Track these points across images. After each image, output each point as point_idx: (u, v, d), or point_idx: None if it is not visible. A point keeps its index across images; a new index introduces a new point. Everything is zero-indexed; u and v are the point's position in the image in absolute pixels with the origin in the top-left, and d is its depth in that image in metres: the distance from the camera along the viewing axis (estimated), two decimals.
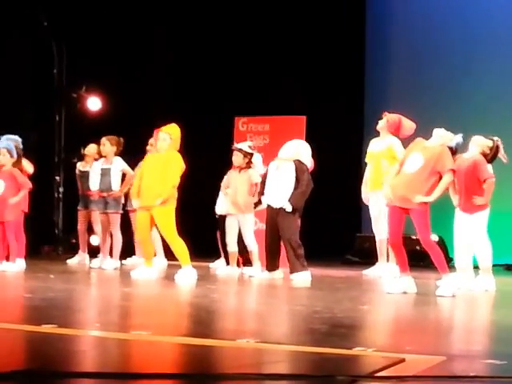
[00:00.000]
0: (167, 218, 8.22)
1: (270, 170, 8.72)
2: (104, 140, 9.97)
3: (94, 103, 12.81)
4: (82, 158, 10.84)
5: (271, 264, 8.62)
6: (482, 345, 4.36)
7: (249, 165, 9.30)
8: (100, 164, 10.08)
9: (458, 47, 12.61)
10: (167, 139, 8.33)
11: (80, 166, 10.76)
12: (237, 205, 9.24)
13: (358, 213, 12.96)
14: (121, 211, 10.00)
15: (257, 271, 8.95)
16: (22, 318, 5.24)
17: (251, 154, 9.33)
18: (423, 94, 12.60)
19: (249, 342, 4.01)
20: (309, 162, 8.85)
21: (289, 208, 8.41)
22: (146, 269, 8.34)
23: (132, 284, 7.84)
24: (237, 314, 5.62)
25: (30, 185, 9.36)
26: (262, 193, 8.76)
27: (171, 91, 13.30)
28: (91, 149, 10.59)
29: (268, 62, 12.77)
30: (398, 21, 13.35)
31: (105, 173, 9.93)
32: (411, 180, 6.98)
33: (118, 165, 9.91)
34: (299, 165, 8.58)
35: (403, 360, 3.53)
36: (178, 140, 8.40)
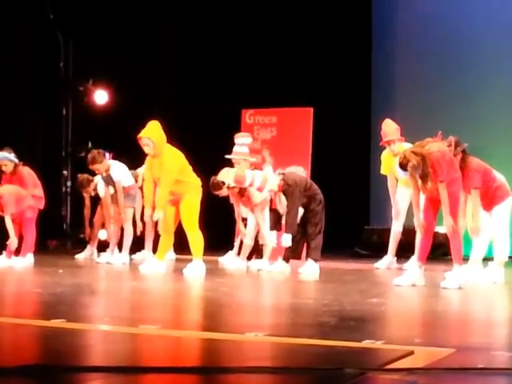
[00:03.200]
0: (191, 209, 8.28)
1: None
2: (93, 167, 9.92)
3: (100, 96, 12.80)
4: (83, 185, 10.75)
5: (293, 254, 8.64)
6: (491, 337, 4.35)
7: (244, 190, 9.07)
8: (99, 177, 10.07)
9: (466, 37, 12.53)
10: (150, 143, 8.28)
11: (87, 195, 10.73)
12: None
13: (366, 205, 12.95)
14: (134, 205, 9.99)
15: (265, 264, 8.93)
16: (32, 312, 5.25)
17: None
18: (430, 86, 12.54)
19: (257, 335, 4.01)
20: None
21: (288, 242, 8.44)
22: (156, 262, 8.34)
23: (141, 278, 7.84)
24: (245, 307, 5.62)
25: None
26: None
27: (178, 84, 13.29)
28: (84, 183, 10.51)
29: (275, 53, 12.74)
30: (404, 10, 13.28)
31: (108, 180, 9.91)
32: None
33: (116, 172, 9.84)
34: (287, 191, 8.50)
35: (412, 352, 3.52)
36: (162, 136, 8.33)
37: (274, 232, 8.91)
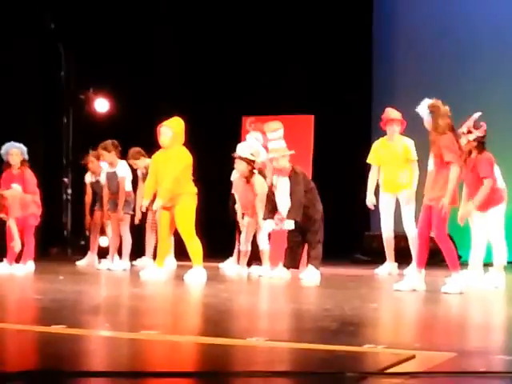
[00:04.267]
0: (187, 215, 8.22)
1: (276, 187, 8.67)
2: (100, 151, 9.99)
3: (101, 105, 12.83)
4: (86, 167, 10.81)
5: (292, 263, 8.61)
6: (492, 341, 4.34)
7: (252, 173, 9.18)
8: (105, 169, 10.12)
9: (467, 40, 12.56)
10: (168, 133, 8.26)
11: (89, 177, 10.77)
12: (247, 210, 9.31)
13: (366, 212, 12.94)
14: (131, 212, 10.02)
15: (266, 270, 8.94)
16: (32, 318, 5.24)
17: (254, 162, 9.21)
18: (431, 91, 12.54)
19: (258, 340, 4.00)
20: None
21: (291, 226, 8.39)
22: (156, 269, 8.33)
23: (141, 284, 7.84)
24: (246, 312, 5.62)
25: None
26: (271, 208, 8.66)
27: (178, 92, 13.30)
28: (94, 161, 10.59)
29: (275, 61, 12.76)
30: (405, 17, 13.31)
31: (111, 176, 9.95)
32: (429, 178, 7.08)
33: (122, 169, 9.91)
34: (294, 178, 8.50)
35: (413, 356, 3.52)
36: (182, 133, 8.34)
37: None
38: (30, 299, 6.45)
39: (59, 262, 10.94)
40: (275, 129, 8.74)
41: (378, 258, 10.01)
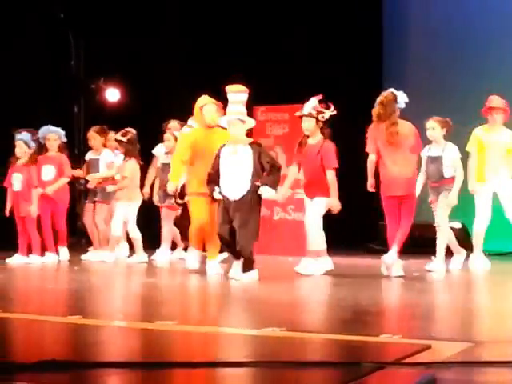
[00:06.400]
0: None
1: (223, 157, 7.37)
2: (93, 134, 10.01)
3: (112, 94, 12.82)
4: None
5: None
6: (508, 330, 4.32)
7: None
8: (88, 155, 10.10)
9: (477, 22, 12.46)
10: (216, 112, 7.93)
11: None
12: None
13: (379, 201, 12.90)
14: (108, 202, 9.89)
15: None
16: (48, 309, 5.26)
17: None
18: (443, 75, 12.47)
19: (274, 330, 4.00)
20: None
21: (271, 192, 7.18)
22: (213, 262, 7.68)
23: (156, 275, 7.84)
24: (262, 303, 5.61)
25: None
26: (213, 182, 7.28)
27: (189, 81, 13.27)
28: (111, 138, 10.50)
29: (286, 50, 12.71)
30: (417, 3, 13.23)
31: (93, 164, 9.93)
32: None
33: (108, 155, 9.86)
34: (260, 148, 7.46)
35: (429, 346, 3.51)
36: None
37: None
38: (45, 289, 6.47)
39: (73, 252, 10.95)
40: (238, 91, 7.84)
41: None
